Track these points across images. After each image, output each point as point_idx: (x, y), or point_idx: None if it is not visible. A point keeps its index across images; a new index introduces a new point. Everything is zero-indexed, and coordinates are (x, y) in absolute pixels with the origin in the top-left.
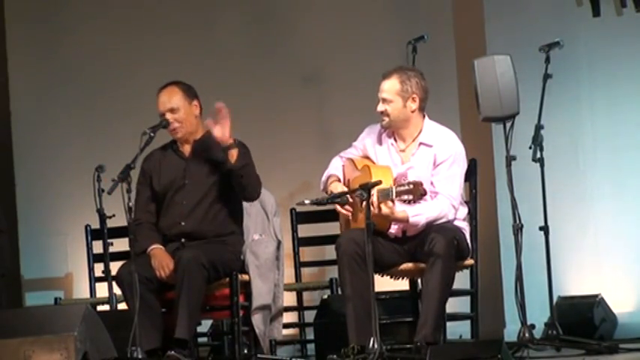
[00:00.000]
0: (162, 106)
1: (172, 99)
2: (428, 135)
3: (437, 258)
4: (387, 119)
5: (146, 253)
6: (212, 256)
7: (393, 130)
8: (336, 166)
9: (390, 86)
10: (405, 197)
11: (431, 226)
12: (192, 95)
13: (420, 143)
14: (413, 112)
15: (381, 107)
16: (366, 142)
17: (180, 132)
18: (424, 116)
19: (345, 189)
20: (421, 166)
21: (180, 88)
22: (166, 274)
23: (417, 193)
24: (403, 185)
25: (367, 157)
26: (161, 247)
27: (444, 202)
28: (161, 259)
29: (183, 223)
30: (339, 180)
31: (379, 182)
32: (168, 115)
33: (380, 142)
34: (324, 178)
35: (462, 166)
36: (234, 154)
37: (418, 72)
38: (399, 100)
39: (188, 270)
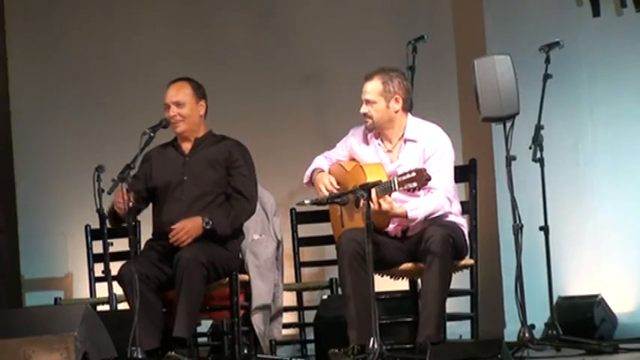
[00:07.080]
0: (168, 98)
1: (180, 93)
2: (412, 131)
3: (433, 257)
4: (370, 121)
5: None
6: (211, 255)
7: (378, 131)
8: (321, 163)
9: (373, 87)
10: (409, 186)
11: (427, 224)
12: (201, 95)
13: (406, 140)
14: (396, 112)
15: (364, 109)
16: (352, 143)
17: (181, 127)
18: (408, 115)
19: (332, 178)
20: (409, 162)
21: (191, 85)
22: (120, 209)
23: (421, 179)
24: (405, 174)
25: (353, 159)
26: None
27: (439, 195)
28: (117, 194)
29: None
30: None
31: (379, 182)
32: (173, 108)
33: (366, 143)
34: (308, 172)
35: (451, 157)
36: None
37: (400, 72)
38: (382, 100)
39: (187, 269)
